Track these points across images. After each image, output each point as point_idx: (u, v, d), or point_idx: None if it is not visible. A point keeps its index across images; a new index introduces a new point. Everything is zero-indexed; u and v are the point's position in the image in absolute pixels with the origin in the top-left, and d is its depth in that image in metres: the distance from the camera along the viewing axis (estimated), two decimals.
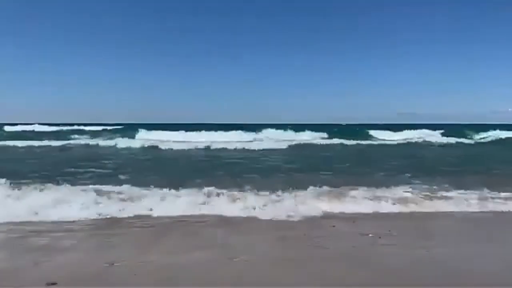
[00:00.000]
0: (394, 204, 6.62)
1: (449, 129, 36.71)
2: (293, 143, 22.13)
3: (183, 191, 7.31)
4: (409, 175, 10.00)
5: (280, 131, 33.00)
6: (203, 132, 29.47)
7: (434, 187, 8.10)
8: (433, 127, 39.64)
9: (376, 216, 6.07)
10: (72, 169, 11.02)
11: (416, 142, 25.49)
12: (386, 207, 6.46)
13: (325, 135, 31.94)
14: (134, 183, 8.09)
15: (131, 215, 5.95)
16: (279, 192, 7.22)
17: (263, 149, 19.25)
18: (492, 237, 5.02)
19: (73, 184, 8.04)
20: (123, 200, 6.64)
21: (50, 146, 20.44)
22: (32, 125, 44.29)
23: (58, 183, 8.03)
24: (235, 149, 19.17)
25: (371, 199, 6.85)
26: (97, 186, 7.72)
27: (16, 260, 4.01)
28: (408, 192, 7.53)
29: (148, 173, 10.80)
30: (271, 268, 3.82)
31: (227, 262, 3.97)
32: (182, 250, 4.37)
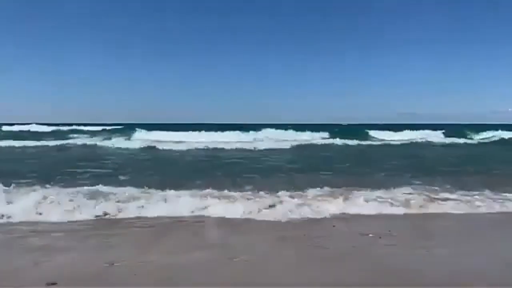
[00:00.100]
0: (395, 205, 6.61)
1: (449, 129, 36.66)
2: (294, 143, 22.06)
3: (182, 192, 7.31)
4: (410, 175, 9.98)
5: (280, 131, 33.01)
6: (203, 132, 29.44)
7: (436, 188, 8.09)
8: (433, 127, 39.65)
9: (376, 216, 6.07)
10: (70, 170, 10.96)
11: (418, 143, 25.41)
12: (387, 208, 6.44)
13: (325, 135, 31.93)
14: (133, 184, 8.09)
15: (130, 215, 5.95)
16: (279, 193, 7.21)
17: (263, 149, 19.22)
18: (493, 238, 5.03)
19: (71, 184, 8.06)
20: (122, 200, 6.63)
21: (47, 146, 20.26)
22: (30, 125, 44.32)
23: (57, 184, 8.06)
24: (235, 149, 19.12)
25: (372, 200, 6.83)
26: (96, 187, 7.69)
27: (16, 260, 4.01)
28: (410, 193, 7.51)
29: (147, 173, 10.78)
30: (271, 268, 3.82)
31: (227, 262, 3.97)
32: (182, 250, 4.37)
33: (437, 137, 31.53)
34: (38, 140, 22.49)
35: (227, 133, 29.55)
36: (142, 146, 20.11)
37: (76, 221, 5.63)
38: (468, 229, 5.49)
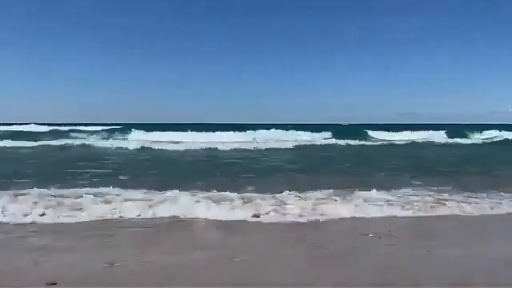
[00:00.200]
0: (396, 206, 6.60)
1: (450, 129, 36.42)
2: (294, 143, 22.00)
3: (182, 192, 7.31)
4: (411, 176, 9.97)
5: (280, 131, 32.98)
6: (202, 133, 29.41)
7: (437, 187, 8.09)
8: (433, 127, 39.46)
9: (377, 217, 6.06)
10: (69, 170, 10.94)
11: (421, 143, 25.33)
12: (388, 208, 6.42)
13: (326, 135, 31.90)
14: (132, 184, 8.11)
15: (130, 216, 5.93)
16: (279, 193, 7.21)
17: (263, 149, 19.22)
18: (492, 238, 5.03)
19: (70, 185, 8.07)
20: (121, 201, 6.62)
21: (45, 146, 20.05)
22: (28, 125, 44.25)
23: (55, 184, 8.05)
24: (234, 150, 19.10)
25: (372, 201, 6.84)
26: (95, 188, 7.71)
27: (16, 260, 4.01)
28: (412, 194, 7.50)
29: (146, 174, 10.78)
30: (271, 268, 3.82)
31: (227, 262, 3.97)
32: (182, 250, 4.37)
33: (440, 137, 31.53)
34: (37, 140, 22.12)
35: (226, 133, 29.52)
36: (140, 147, 19.88)
37: (76, 221, 5.63)
38: (468, 230, 5.49)
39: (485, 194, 7.40)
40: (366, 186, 7.87)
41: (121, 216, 5.89)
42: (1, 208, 6.05)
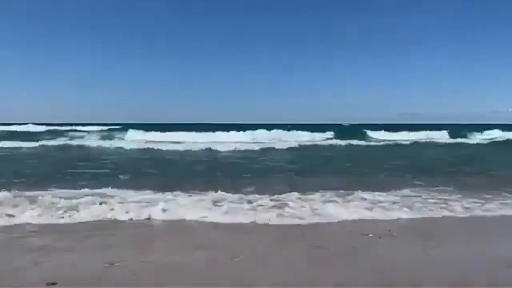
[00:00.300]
0: (396, 206, 6.60)
1: (451, 129, 36.29)
2: (294, 143, 21.95)
3: (182, 192, 7.33)
4: (413, 176, 9.97)
5: (280, 131, 32.94)
6: (202, 133, 29.39)
7: (438, 188, 8.10)
8: (433, 127, 39.51)
9: (377, 217, 6.06)
10: (67, 171, 10.97)
11: (423, 143, 25.28)
12: (389, 209, 6.41)
13: (326, 135, 31.88)
14: (131, 185, 8.11)
15: (130, 216, 5.92)
16: (279, 194, 7.22)
17: (263, 150, 19.22)
18: (492, 239, 5.03)
19: (68, 185, 8.06)
20: (121, 201, 6.63)
21: (44, 146, 20.03)
22: (27, 125, 44.21)
23: (54, 185, 8.05)
24: (234, 150, 19.09)
25: (373, 201, 6.85)
26: (94, 188, 7.72)
27: (16, 260, 4.01)
28: (412, 194, 7.50)
29: (145, 174, 10.79)
30: (271, 268, 3.82)
31: (227, 262, 3.97)
32: (182, 250, 4.37)
33: (442, 137, 31.48)
34: (35, 140, 21.98)
35: (226, 133, 29.50)
36: (140, 147, 19.91)
37: (75, 222, 5.63)
38: (468, 230, 5.49)
39: (487, 195, 7.38)
40: (367, 187, 7.88)
41: (120, 217, 5.88)
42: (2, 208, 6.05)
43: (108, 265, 3.83)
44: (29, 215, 5.74)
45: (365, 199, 7.01)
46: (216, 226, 5.51)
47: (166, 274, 3.64)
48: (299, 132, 32.82)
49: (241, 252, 4.25)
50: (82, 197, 6.76)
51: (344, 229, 5.39)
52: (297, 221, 5.69)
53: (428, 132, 34.82)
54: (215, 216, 5.90)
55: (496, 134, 33.84)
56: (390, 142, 25.60)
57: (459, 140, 27.45)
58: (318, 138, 29.95)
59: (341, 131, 36.02)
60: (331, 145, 22.44)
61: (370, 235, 4.98)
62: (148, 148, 19.53)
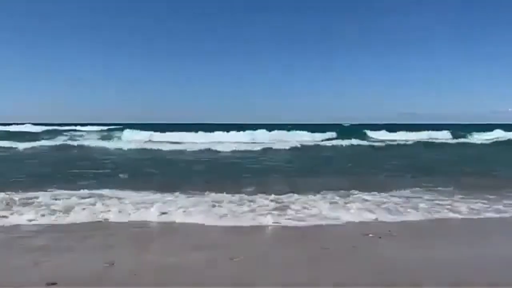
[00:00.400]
0: (396, 206, 6.60)
1: (452, 129, 36.20)
2: (294, 143, 21.79)
3: (181, 193, 7.33)
4: (413, 176, 9.97)
5: (280, 131, 32.89)
6: (202, 133, 29.35)
7: (438, 188, 8.10)
8: (434, 127, 39.36)
9: (377, 217, 6.06)
10: (67, 171, 10.96)
11: (426, 143, 25.21)
12: (389, 210, 6.41)
13: (326, 135, 31.76)
14: (131, 185, 8.09)
15: (130, 217, 5.92)
16: (279, 194, 7.22)
17: (263, 150, 19.18)
18: (492, 240, 5.03)
19: (67, 186, 8.05)
20: (120, 202, 6.63)
21: (41, 147, 19.87)
22: (24, 125, 44.17)
23: (53, 185, 8.04)
24: (234, 150, 19.03)
25: (373, 202, 6.85)
26: (93, 189, 7.72)
27: (16, 260, 4.01)
28: (413, 195, 7.49)
29: (145, 175, 10.79)
30: (271, 268, 3.82)
31: (227, 262, 3.97)
32: (182, 250, 4.37)
33: (444, 137, 31.42)
34: (33, 140, 21.85)
35: (226, 133, 29.47)
36: (139, 147, 19.81)
37: (75, 222, 5.62)
38: (468, 231, 5.49)
39: (488, 196, 7.35)
40: (367, 187, 7.88)
41: (120, 217, 5.88)
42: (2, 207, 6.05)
43: (108, 265, 3.83)
44: (29, 216, 5.73)
45: (365, 199, 7.01)
46: (215, 226, 5.50)
47: (166, 274, 3.64)
48: (299, 132, 32.70)
49: (241, 252, 4.25)
50: (82, 198, 6.77)
51: (344, 229, 5.39)
52: (297, 222, 5.68)
53: (430, 132, 34.58)
54: (215, 217, 5.90)
55: (498, 134, 33.51)
56: (393, 142, 25.41)
57: (462, 140, 27.32)
58: (318, 138, 29.85)
59: (341, 131, 35.93)
60: (331, 145, 22.28)
61: (370, 235, 4.98)
62: (148, 148, 19.44)
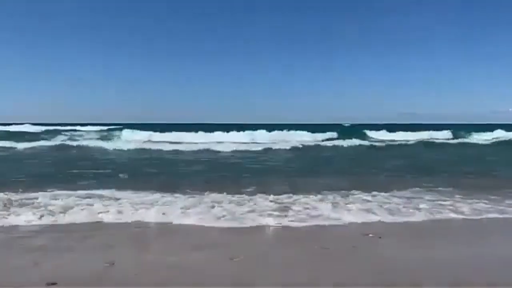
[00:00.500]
0: (397, 206, 6.59)
1: (453, 129, 36.18)
2: (295, 144, 21.77)
3: (182, 193, 7.33)
4: (413, 176, 9.96)
5: (280, 131, 32.87)
6: (201, 133, 29.32)
7: (440, 188, 8.09)
8: (434, 127, 39.38)
9: (377, 217, 6.05)
10: (66, 171, 10.97)
11: (427, 143, 25.19)
12: (389, 210, 6.39)
13: (327, 135, 31.75)
14: (131, 186, 8.09)
15: (129, 217, 5.92)
16: (279, 194, 7.21)
17: (263, 150, 19.18)
18: (492, 240, 5.03)
19: (66, 186, 8.05)
20: (120, 202, 6.63)
21: (40, 147, 19.82)
22: (23, 125, 44.17)
23: (52, 185, 8.04)
24: (234, 150, 19.02)
25: (373, 202, 6.84)
26: (93, 189, 7.72)
27: (16, 260, 4.01)
28: (413, 195, 7.48)
29: (145, 175, 10.79)
30: (271, 268, 3.82)
31: (227, 262, 3.97)
32: (182, 250, 4.37)
33: (445, 137, 31.41)
34: (32, 140, 21.79)
35: (226, 133, 29.46)
36: (139, 147, 19.75)
37: (75, 222, 5.62)
38: (468, 231, 5.49)
39: (489, 196, 7.32)
40: (368, 187, 7.86)
41: (120, 217, 5.88)
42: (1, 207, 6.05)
43: (108, 265, 3.83)
44: (28, 216, 5.72)
45: (366, 200, 7.00)
46: (215, 227, 5.50)
47: (166, 274, 3.64)
48: (299, 132, 32.69)
49: (241, 252, 4.25)
50: (81, 198, 6.76)
51: (344, 229, 5.39)
52: (297, 222, 5.68)
53: (431, 132, 34.59)
54: (215, 217, 5.89)
55: (499, 134, 33.49)
56: (393, 142, 25.44)
57: (462, 140, 27.30)
58: (319, 138, 29.84)
59: (341, 131, 35.93)
60: (331, 146, 22.24)
61: (370, 235, 4.98)
62: (147, 148, 19.41)
